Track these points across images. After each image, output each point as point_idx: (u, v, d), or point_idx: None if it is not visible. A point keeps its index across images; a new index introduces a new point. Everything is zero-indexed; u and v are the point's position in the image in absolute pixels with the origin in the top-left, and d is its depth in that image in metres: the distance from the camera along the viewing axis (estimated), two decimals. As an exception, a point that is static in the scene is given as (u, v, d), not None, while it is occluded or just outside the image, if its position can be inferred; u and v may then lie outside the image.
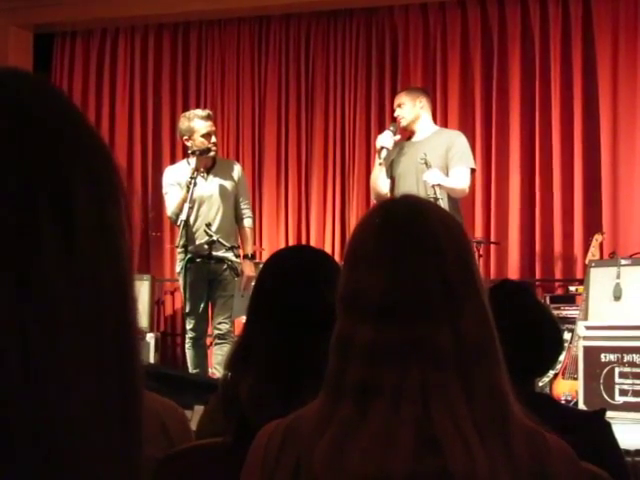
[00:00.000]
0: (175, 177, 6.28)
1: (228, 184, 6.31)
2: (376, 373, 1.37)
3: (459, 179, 5.96)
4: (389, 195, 5.88)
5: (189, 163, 6.24)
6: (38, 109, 0.63)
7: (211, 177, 6.29)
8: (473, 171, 6.22)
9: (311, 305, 1.92)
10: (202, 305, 6.21)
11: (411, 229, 1.44)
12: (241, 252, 6.35)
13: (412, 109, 6.18)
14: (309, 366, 1.80)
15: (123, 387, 0.63)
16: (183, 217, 5.94)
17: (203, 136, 6.18)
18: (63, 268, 0.59)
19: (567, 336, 5.65)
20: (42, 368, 0.58)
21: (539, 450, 1.39)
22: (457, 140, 6.14)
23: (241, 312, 5.78)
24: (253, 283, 6.81)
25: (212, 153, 6.23)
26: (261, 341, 1.95)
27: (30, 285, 0.58)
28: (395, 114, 6.29)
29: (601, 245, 6.45)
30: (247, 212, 6.42)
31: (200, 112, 6.38)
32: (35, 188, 0.59)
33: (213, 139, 6.23)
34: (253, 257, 6.40)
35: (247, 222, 6.40)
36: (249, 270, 6.20)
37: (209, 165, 6.29)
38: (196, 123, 6.22)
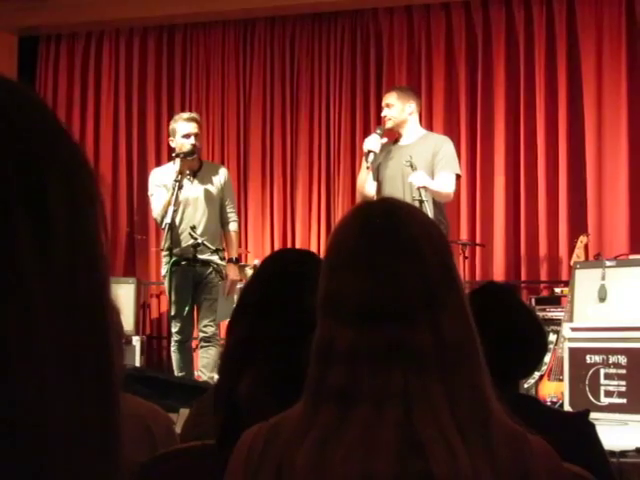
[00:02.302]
0: (161, 179, 6.26)
1: (214, 188, 6.29)
2: (357, 376, 1.37)
3: (445, 184, 5.95)
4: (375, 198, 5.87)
5: (175, 165, 6.23)
6: (18, 116, 0.63)
7: (197, 180, 6.27)
8: (458, 177, 6.20)
9: (291, 307, 1.92)
10: (187, 308, 6.19)
11: (389, 231, 1.44)
12: (226, 255, 6.34)
13: (400, 113, 6.15)
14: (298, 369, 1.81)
15: (100, 391, 0.63)
16: (168, 220, 5.93)
17: (183, 137, 6.17)
18: (38, 271, 0.59)
19: (552, 338, 5.66)
20: (19, 370, 0.58)
21: (521, 451, 1.39)
22: (444, 145, 6.13)
23: (225, 315, 5.77)
24: (238, 286, 6.73)
25: (195, 155, 6.20)
26: (263, 343, 1.94)
27: (6, 287, 0.58)
28: (382, 113, 6.26)
29: (586, 247, 6.46)
30: (232, 216, 6.41)
31: (185, 114, 6.39)
32: (11, 193, 0.59)
33: (192, 140, 6.17)
34: (238, 261, 6.40)
35: (232, 226, 6.38)
36: (233, 274, 6.21)
37: (195, 168, 6.28)
38: (178, 125, 6.22)
